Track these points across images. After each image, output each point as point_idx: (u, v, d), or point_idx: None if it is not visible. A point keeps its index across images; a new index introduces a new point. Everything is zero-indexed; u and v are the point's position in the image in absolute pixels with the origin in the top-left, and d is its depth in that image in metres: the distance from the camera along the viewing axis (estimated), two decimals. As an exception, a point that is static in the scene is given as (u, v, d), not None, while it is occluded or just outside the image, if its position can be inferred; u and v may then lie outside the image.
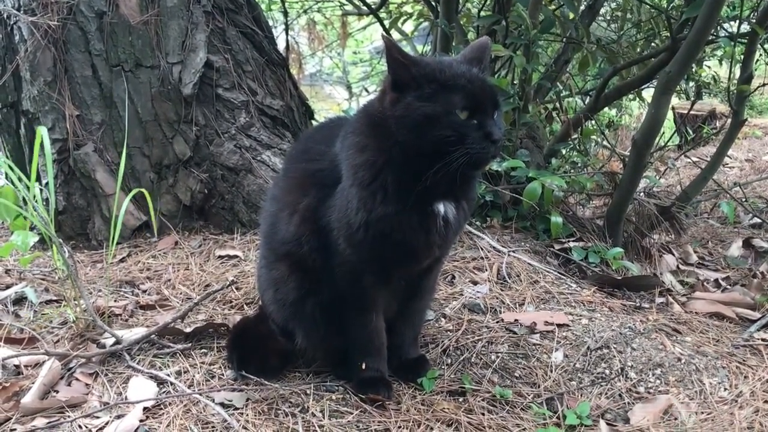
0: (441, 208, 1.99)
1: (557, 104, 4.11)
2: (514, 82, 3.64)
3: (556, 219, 3.21)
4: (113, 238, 2.71)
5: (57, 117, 3.37)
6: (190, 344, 2.45)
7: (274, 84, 3.65)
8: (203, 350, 2.43)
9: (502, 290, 2.78)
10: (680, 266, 3.63)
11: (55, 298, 2.89)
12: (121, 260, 3.25)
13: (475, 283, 2.81)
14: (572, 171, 3.68)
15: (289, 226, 2.15)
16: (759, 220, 4.48)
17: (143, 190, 2.87)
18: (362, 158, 2.00)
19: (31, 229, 3.43)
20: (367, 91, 7.99)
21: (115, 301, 2.84)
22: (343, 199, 2.03)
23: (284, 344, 2.28)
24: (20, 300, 2.90)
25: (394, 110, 1.91)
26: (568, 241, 3.30)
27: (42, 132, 2.64)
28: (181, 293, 2.86)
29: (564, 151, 3.81)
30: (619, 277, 3.00)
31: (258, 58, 3.62)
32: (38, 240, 3.40)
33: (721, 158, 3.62)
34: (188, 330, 2.48)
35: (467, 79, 1.89)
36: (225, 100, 3.46)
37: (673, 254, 3.69)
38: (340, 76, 9.71)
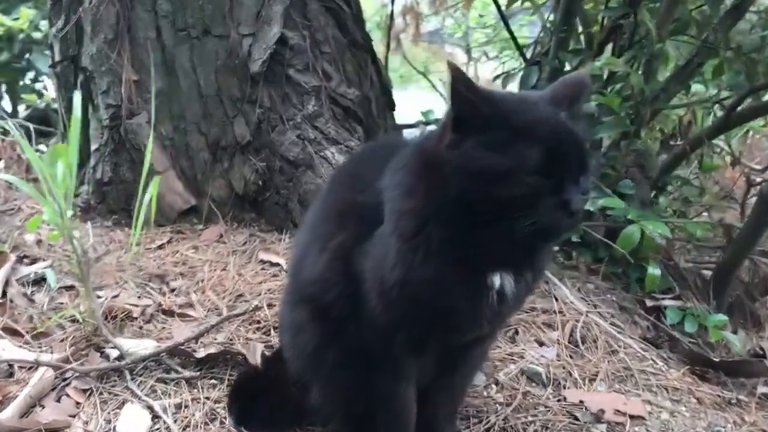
0: (496, 279, 1.59)
1: (681, 125, 3.54)
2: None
3: (654, 271, 2.73)
4: (137, 222, 2.39)
5: (113, 80, 3.09)
6: (199, 371, 2.14)
7: (353, 69, 3.26)
8: (212, 381, 2.12)
9: (572, 357, 2.35)
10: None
11: (75, 283, 2.62)
12: (160, 247, 2.97)
13: (541, 344, 2.38)
14: (681, 211, 3.17)
15: (316, 264, 1.80)
16: None
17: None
18: (407, 204, 1.62)
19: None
20: (487, 56, 7.44)
21: (139, 298, 2.55)
22: (381, 248, 1.67)
23: (298, 396, 1.93)
24: (40, 281, 2.66)
25: (452, 155, 1.51)
26: (664, 298, 2.82)
27: (75, 98, 2.33)
28: (208, 301, 2.55)
29: (676, 185, 3.28)
30: (717, 359, 2.51)
31: (339, 38, 3.24)
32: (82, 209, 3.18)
33: None
34: (200, 354, 2.17)
35: (550, 128, 1.48)
36: (295, 83, 3.09)
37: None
38: (461, 38, 9.17)
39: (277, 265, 2.78)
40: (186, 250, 2.92)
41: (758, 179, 4.19)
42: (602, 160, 2.90)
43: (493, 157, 1.45)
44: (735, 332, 2.91)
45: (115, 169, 3.13)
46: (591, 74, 2.83)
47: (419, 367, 1.82)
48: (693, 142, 3.38)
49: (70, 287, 2.61)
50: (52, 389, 2.05)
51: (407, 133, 3.80)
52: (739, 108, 3.19)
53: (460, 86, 1.47)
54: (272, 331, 2.37)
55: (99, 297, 2.51)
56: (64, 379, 2.07)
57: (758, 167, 4.41)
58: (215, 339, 2.30)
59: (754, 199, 4.56)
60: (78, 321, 2.32)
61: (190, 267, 2.79)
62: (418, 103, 4.00)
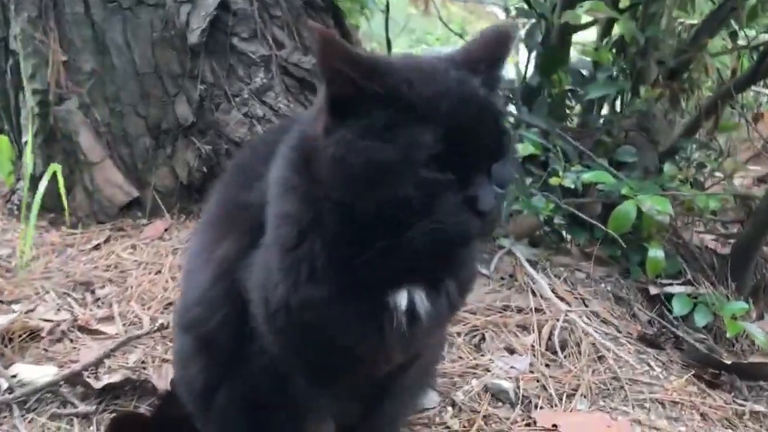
0: (401, 299, 1.22)
1: (692, 79, 3.06)
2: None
3: (656, 253, 2.31)
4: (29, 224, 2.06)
5: (39, 62, 2.74)
6: (97, 404, 1.81)
7: (310, 35, 2.86)
8: (113, 415, 1.78)
9: (548, 367, 1.95)
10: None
11: (-12, 296, 2.31)
12: (95, 247, 2.64)
13: (511, 351, 1.99)
14: (696, 179, 2.72)
15: (200, 280, 1.47)
16: None
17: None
18: (286, 206, 1.26)
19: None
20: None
21: (57, 311, 2.23)
22: (263, 260, 1.30)
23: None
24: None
25: (327, 144, 1.14)
26: (671, 284, 2.40)
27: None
28: (131, 313, 2.21)
29: (689, 150, 2.82)
30: (728, 361, 2.09)
31: (293, 0, 2.84)
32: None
33: None
34: (97, 385, 1.83)
35: (453, 102, 1.10)
36: (241, 52, 2.71)
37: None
38: (501, -5, 8.59)
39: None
40: (122, 251, 2.58)
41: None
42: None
43: (375, 146, 1.08)
44: (761, 317, 2.49)
45: (48, 162, 2.79)
46: (572, 23, 2.42)
47: (332, 406, 1.46)
48: (711, 104, 2.91)
49: (-21, 303, 2.30)
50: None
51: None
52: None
53: (332, 56, 1.09)
54: (196, 347, 2.02)
55: (13, 312, 2.21)
56: (-55, 416, 1.78)
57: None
58: (126, 361, 1.97)
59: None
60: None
61: (122, 271, 2.46)
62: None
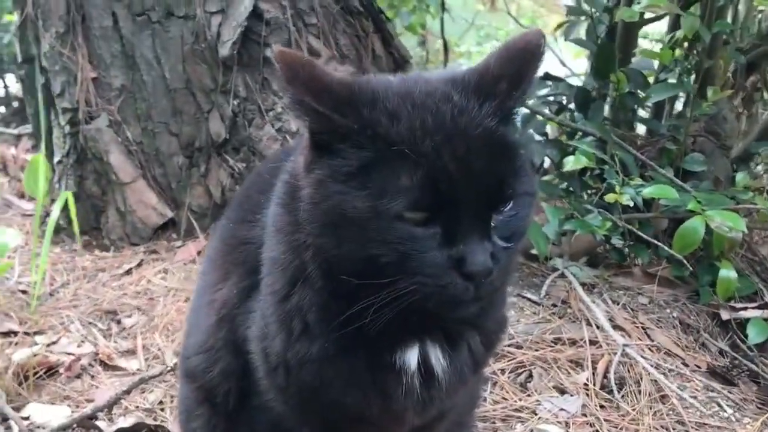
0: (411, 357, 1.06)
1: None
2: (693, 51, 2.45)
3: (728, 273, 2.07)
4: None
5: (68, 79, 2.65)
6: (111, 451, 1.68)
7: (348, 42, 2.69)
8: (124, 464, 1.65)
9: (602, 408, 1.74)
10: None
11: (14, 328, 2.20)
12: (127, 272, 2.53)
13: (561, 391, 1.78)
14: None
15: (201, 324, 1.34)
16: None
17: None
18: (277, 249, 1.10)
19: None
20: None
21: (80, 344, 2.12)
22: (262, 308, 1.14)
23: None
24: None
25: (307, 183, 0.99)
26: (746, 308, 2.15)
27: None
28: (155, 345, 2.08)
29: (765, 155, 2.56)
30: (812, 400, 1.85)
31: (329, 5, 2.67)
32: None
33: None
34: (111, 429, 1.71)
35: (442, 137, 0.91)
36: (274, 64, 2.56)
37: None
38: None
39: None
40: (153, 276, 2.46)
41: None
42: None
43: (346, 191, 0.92)
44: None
45: (81, 183, 2.70)
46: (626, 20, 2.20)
47: None
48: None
49: (7, 334, 2.19)
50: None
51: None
52: None
53: (298, 84, 0.92)
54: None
55: (35, 344, 2.10)
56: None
57: None
58: (145, 401, 1.84)
59: None
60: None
61: (150, 298, 2.34)
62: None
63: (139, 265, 2.57)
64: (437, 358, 1.07)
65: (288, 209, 1.05)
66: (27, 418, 1.80)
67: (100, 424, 1.74)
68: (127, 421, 1.74)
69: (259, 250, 1.18)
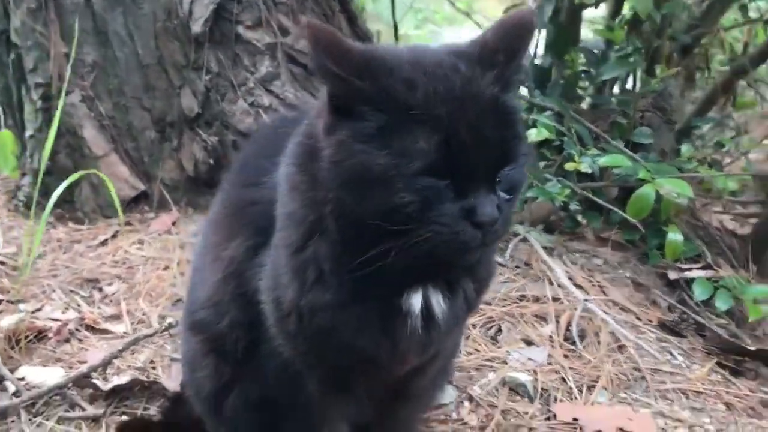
0: (415, 301, 1.17)
1: (706, 55, 2.98)
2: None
3: (675, 236, 2.24)
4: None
5: (41, 55, 2.69)
6: (105, 407, 1.77)
7: (316, 19, 2.78)
8: (123, 417, 1.76)
9: (566, 358, 1.90)
10: None
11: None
12: (102, 243, 2.59)
13: (528, 343, 1.94)
14: (714, 159, 2.65)
15: (208, 280, 1.42)
16: None
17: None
18: (290, 206, 1.21)
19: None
20: None
21: (64, 310, 2.19)
22: (273, 261, 1.25)
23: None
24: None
25: (326, 145, 1.09)
26: (691, 269, 2.34)
27: None
28: (139, 311, 2.17)
29: (704, 129, 2.75)
30: (752, 347, 2.03)
31: (297, -16, 2.77)
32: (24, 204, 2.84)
33: None
34: (106, 387, 1.79)
35: (453, 105, 1.03)
36: (246, 41, 2.65)
37: None
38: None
39: (226, 260, 2.38)
40: (129, 246, 2.54)
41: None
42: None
43: (369, 151, 1.03)
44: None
45: (53, 157, 2.74)
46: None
47: (347, 408, 1.41)
48: (725, 82, 2.84)
49: (-8, 302, 2.26)
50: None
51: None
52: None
53: (324, 52, 1.03)
54: (205, 346, 1.98)
55: (20, 312, 2.17)
56: (-47, 421, 1.75)
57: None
58: (135, 362, 1.93)
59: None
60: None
61: (129, 267, 2.41)
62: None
63: (114, 236, 2.63)
64: (438, 303, 1.19)
65: (304, 168, 1.16)
66: (22, 379, 1.87)
67: (95, 383, 1.83)
68: (122, 379, 1.83)
69: (266, 210, 1.29)
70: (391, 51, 1.12)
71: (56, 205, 2.73)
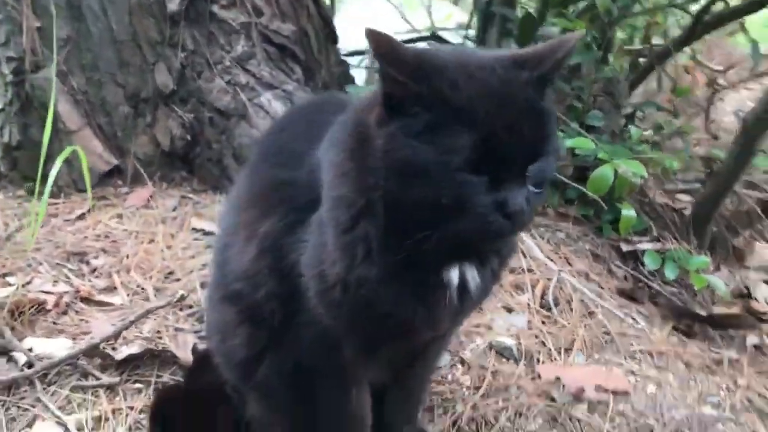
0: (454, 275, 1.31)
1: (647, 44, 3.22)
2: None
3: (629, 212, 2.45)
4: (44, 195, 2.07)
5: (13, 29, 2.69)
6: (120, 376, 1.86)
7: (286, 1, 2.88)
8: (137, 386, 1.85)
9: (544, 324, 2.09)
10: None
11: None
12: (79, 217, 2.63)
13: (509, 310, 2.12)
14: (655, 140, 2.89)
15: (242, 255, 1.51)
16: None
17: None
18: (341, 189, 1.32)
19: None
20: None
21: (54, 283, 2.24)
22: (319, 237, 1.37)
23: (233, 407, 1.66)
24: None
25: (379, 135, 1.21)
26: (641, 242, 2.57)
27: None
28: (134, 282, 2.24)
29: (647, 111, 2.99)
30: (703, 313, 2.28)
31: (269, -34, 2.85)
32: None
33: None
34: (120, 355, 1.88)
35: (491, 107, 1.15)
36: (221, 20, 2.72)
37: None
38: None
39: (212, 233, 2.46)
40: (109, 220, 2.59)
41: (720, 81, 3.94)
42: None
43: (416, 146, 1.15)
44: (718, 269, 2.69)
45: (25, 131, 2.76)
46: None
47: (373, 371, 1.55)
48: (658, 56, 3.10)
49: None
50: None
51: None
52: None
53: (383, 55, 1.14)
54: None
55: (9, 285, 2.21)
56: (-36, 394, 1.79)
57: (719, 68, 4.15)
58: (140, 333, 2.01)
59: (719, 105, 4.33)
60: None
61: (113, 241, 2.47)
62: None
63: (90, 210, 2.67)
64: (473, 277, 1.33)
65: (354, 156, 1.27)
66: (30, 350, 1.94)
67: (107, 352, 1.90)
68: (132, 349, 1.91)
69: (303, 190, 1.41)
70: (439, 54, 1.23)
71: (27, 178, 2.78)
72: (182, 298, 1.94)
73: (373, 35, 1.15)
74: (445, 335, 1.57)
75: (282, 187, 1.47)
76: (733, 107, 4.67)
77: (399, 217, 1.22)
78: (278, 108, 2.64)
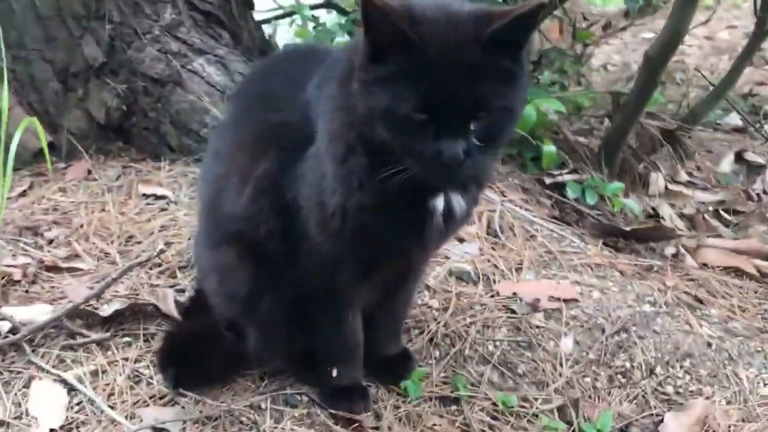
0: (439, 202, 1.47)
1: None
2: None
3: (549, 148, 2.71)
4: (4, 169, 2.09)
5: (-68, 10, 2.64)
6: (108, 332, 1.92)
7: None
8: (126, 339, 1.92)
9: (494, 249, 2.29)
10: (668, 186, 3.18)
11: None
12: (21, 194, 2.63)
13: (461, 240, 2.30)
14: (561, 83, 3.14)
15: (239, 198, 1.62)
16: (740, 124, 4.03)
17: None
18: (335, 123, 1.47)
19: None
20: None
21: (14, 257, 2.26)
22: (317, 169, 1.51)
23: (231, 343, 1.78)
24: None
25: (356, 80, 1.37)
26: (561, 173, 2.81)
27: None
28: (96, 248, 2.29)
29: (551, 57, 3.23)
30: (628, 228, 2.54)
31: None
32: None
33: (738, 73, 3.10)
34: (107, 312, 1.94)
35: (438, 59, 1.27)
36: (140, -8, 2.77)
37: (661, 171, 3.24)
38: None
39: (164, 197, 2.53)
40: (53, 194, 2.60)
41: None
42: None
43: (376, 93, 1.31)
44: (626, 195, 2.96)
45: (-49, 113, 2.72)
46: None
47: (366, 294, 1.71)
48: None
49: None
50: (-60, 381, 1.79)
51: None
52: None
53: (378, 11, 1.26)
54: (178, 273, 2.17)
55: (-32, 260, 2.21)
56: (-48, 365, 1.81)
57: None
58: (117, 292, 2.07)
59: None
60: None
61: (63, 213, 2.49)
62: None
63: (31, 187, 2.68)
64: (459, 203, 1.49)
65: (344, 90, 1.41)
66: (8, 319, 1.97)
67: (92, 311, 1.96)
68: (114, 306, 1.97)
69: (297, 129, 1.54)
70: (424, 6, 1.32)
71: (-44, 161, 2.74)
72: (161, 252, 2.01)
73: None
74: (429, 257, 1.74)
75: (274, 129, 1.59)
76: (600, 61, 5.07)
77: (372, 154, 1.37)
78: (212, 72, 2.72)
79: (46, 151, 2.24)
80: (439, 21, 1.29)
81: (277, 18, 3.53)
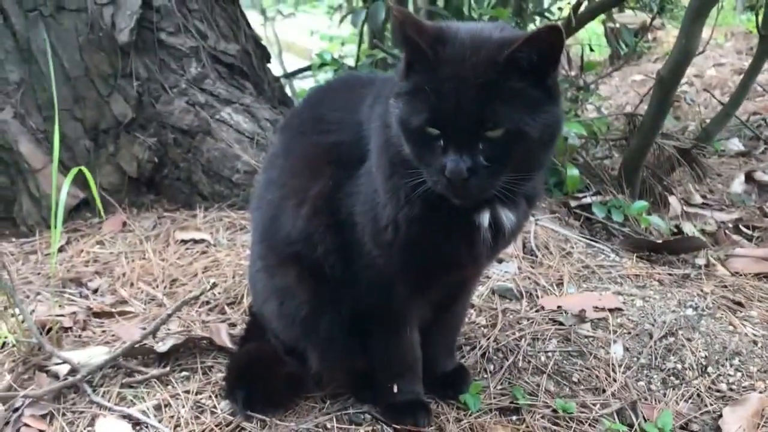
0: (484, 217, 1.49)
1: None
2: None
3: (573, 172, 2.77)
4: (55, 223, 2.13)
5: (-36, 77, 2.73)
6: (166, 367, 1.95)
7: (225, 24, 3.05)
8: (184, 374, 1.95)
9: (532, 267, 2.34)
10: (684, 209, 3.24)
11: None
12: (60, 250, 2.67)
13: (500, 261, 2.35)
14: (574, 111, 3.22)
15: (296, 220, 1.66)
16: (743, 148, 4.13)
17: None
18: (383, 138, 1.52)
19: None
20: (281, 13, 7.10)
21: (60, 307, 2.29)
22: (370, 185, 1.56)
23: (293, 367, 1.80)
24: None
25: (393, 92, 1.44)
26: (586, 196, 2.87)
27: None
28: (142, 293, 2.33)
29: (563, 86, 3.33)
30: (659, 241, 2.59)
31: (205, -7, 3.02)
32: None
33: (746, 91, 3.21)
34: (162, 349, 1.97)
35: (451, 78, 1.33)
36: (170, 46, 2.86)
37: (675, 195, 3.30)
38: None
39: (202, 241, 2.58)
40: (91, 247, 2.65)
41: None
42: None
43: (402, 106, 1.38)
44: (649, 214, 3.01)
45: (-9, 175, 2.79)
46: None
47: (422, 309, 1.74)
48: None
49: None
50: (5, 424, 1.80)
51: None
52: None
53: (409, 30, 1.34)
54: (227, 308, 2.21)
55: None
56: (15, 410, 1.82)
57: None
58: (169, 330, 2.11)
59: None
60: (6, 346, 2.05)
61: (104, 263, 2.54)
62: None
63: (68, 242, 2.72)
64: (507, 216, 1.51)
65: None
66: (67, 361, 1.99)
67: (148, 347, 1.98)
68: (168, 343, 1.99)
69: (351, 147, 1.59)
70: (453, 29, 1.39)
71: (-6, 221, 2.80)
72: (214, 286, 2.04)
73: (399, 11, 1.37)
74: (481, 272, 1.78)
75: (329, 150, 1.64)
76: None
77: (405, 168, 1.43)
78: (240, 120, 2.80)
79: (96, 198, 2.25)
80: (464, 42, 1.35)
81: (302, 71, 3.62)
